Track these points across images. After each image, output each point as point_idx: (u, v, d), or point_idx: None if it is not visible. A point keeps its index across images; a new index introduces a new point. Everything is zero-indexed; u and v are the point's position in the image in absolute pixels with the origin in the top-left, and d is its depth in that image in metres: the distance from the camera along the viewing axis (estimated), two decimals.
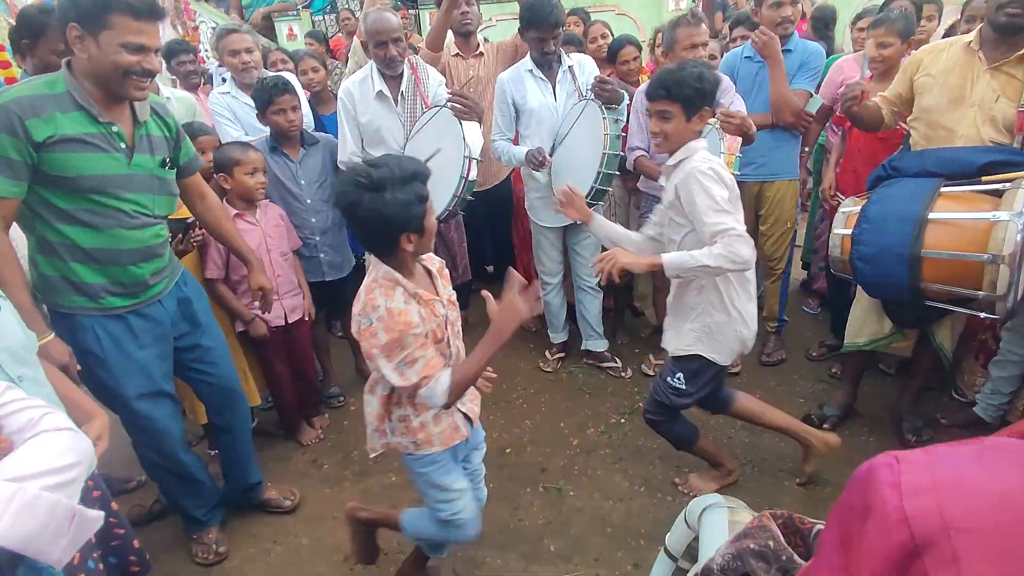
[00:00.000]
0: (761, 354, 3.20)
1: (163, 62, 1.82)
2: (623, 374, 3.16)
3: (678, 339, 2.14)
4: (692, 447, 2.30)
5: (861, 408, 2.76)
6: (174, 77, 3.63)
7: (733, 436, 2.67)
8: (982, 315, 2.00)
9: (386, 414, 1.66)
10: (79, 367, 1.75)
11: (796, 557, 0.75)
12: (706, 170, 1.88)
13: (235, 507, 2.38)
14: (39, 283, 1.77)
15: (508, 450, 2.69)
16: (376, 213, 1.37)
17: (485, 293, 1.77)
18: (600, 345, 3.21)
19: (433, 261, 1.68)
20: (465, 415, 1.75)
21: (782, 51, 2.78)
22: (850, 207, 2.28)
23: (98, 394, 1.89)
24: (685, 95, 1.85)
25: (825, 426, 2.62)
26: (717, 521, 1.16)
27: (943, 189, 2.06)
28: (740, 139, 2.49)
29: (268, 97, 2.57)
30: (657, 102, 1.91)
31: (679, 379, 2.13)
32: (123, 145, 1.72)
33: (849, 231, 2.20)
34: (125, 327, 1.84)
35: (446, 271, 1.72)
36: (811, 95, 2.90)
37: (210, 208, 2.13)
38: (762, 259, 3.18)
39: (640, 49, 3.65)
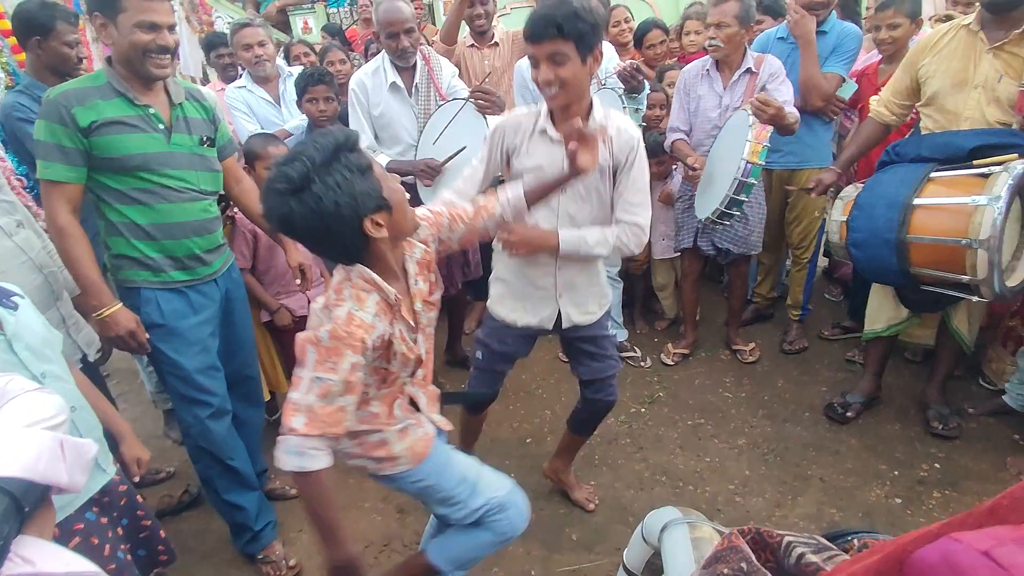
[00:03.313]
0: (783, 342, 3.17)
1: (179, 38, 1.86)
2: (642, 363, 3.15)
3: (595, 306, 1.98)
4: None
5: (886, 397, 2.72)
6: (213, 69, 3.69)
7: (755, 425, 2.65)
8: (974, 299, 2.02)
9: None
10: (147, 336, 1.88)
11: None
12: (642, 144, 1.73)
13: None
14: (112, 262, 1.91)
15: (529, 440, 2.70)
16: (316, 215, 1.11)
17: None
18: (619, 335, 3.20)
19: (415, 249, 1.36)
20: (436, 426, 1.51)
21: (817, 30, 2.70)
22: (849, 194, 2.30)
23: (160, 367, 1.99)
24: (579, 31, 1.52)
25: (849, 414, 2.59)
26: (679, 540, 1.14)
27: (934, 174, 2.06)
28: (770, 128, 2.41)
29: (303, 86, 2.68)
30: (546, 43, 1.54)
31: (610, 328, 2.09)
32: (161, 126, 1.84)
33: (845, 218, 2.24)
34: (185, 301, 1.94)
35: (430, 257, 1.42)
36: (844, 79, 2.79)
37: (245, 191, 2.22)
38: (789, 247, 3.15)
39: (667, 33, 3.60)
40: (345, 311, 1.19)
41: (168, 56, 1.78)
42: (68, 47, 2.31)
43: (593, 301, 1.96)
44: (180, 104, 1.90)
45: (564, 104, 1.65)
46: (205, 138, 1.96)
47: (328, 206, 1.10)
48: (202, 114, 1.97)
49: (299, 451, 1.18)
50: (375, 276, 1.23)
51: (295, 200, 1.10)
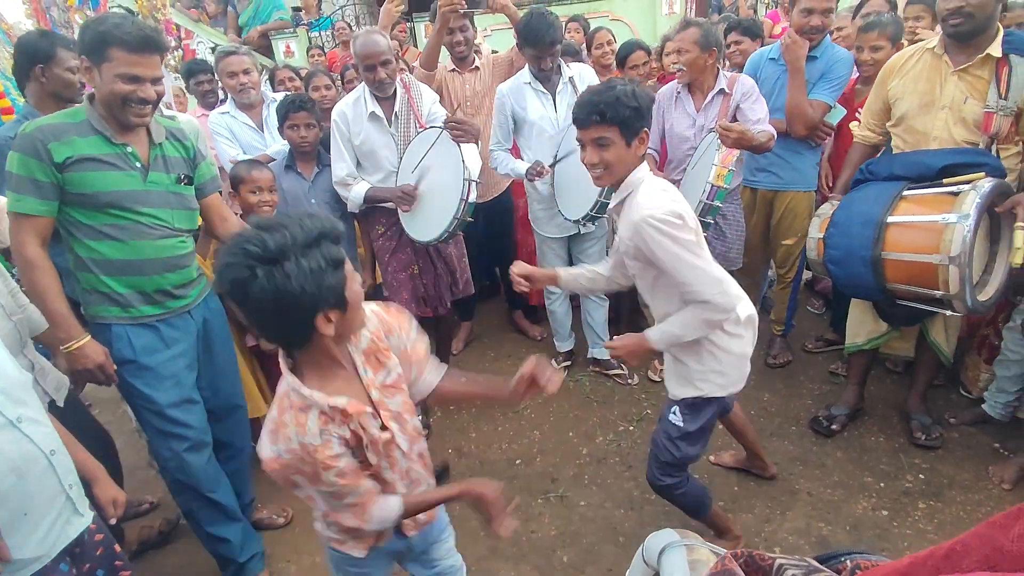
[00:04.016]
0: (767, 356, 3.21)
1: (164, 89, 1.86)
2: (630, 381, 3.16)
3: (672, 382, 1.92)
4: (707, 513, 2.05)
5: (869, 408, 2.76)
6: (193, 96, 3.70)
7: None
8: (948, 313, 2.08)
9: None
10: (115, 368, 1.86)
11: None
12: (660, 219, 1.58)
13: None
14: (82, 297, 1.89)
15: (518, 461, 2.70)
16: (277, 292, 1.04)
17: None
18: (606, 353, 3.22)
19: (360, 339, 1.29)
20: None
21: (808, 55, 2.70)
22: (825, 212, 2.37)
23: (133, 403, 1.98)
24: (622, 116, 1.57)
25: (834, 427, 2.62)
26: (676, 562, 1.16)
27: (907, 192, 2.12)
28: (736, 152, 2.43)
29: (284, 112, 2.70)
30: (591, 128, 1.61)
31: (676, 414, 1.90)
32: (138, 164, 1.85)
33: (822, 235, 2.30)
34: (156, 335, 1.93)
35: (383, 342, 1.34)
36: (831, 106, 2.76)
37: (231, 231, 2.21)
38: (772, 264, 3.21)
39: (649, 53, 3.68)
40: (296, 442, 1.15)
41: (148, 107, 1.78)
42: (71, 72, 2.30)
43: (672, 376, 1.92)
44: (160, 144, 1.90)
45: (608, 183, 1.71)
46: (183, 176, 1.96)
47: (293, 289, 1.05)
48: (181, 153, 1.98)
49: (382, 520, 1.28)
50: (304, 391, 1.17)
51: (262, 269, 1.04)
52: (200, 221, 2.10)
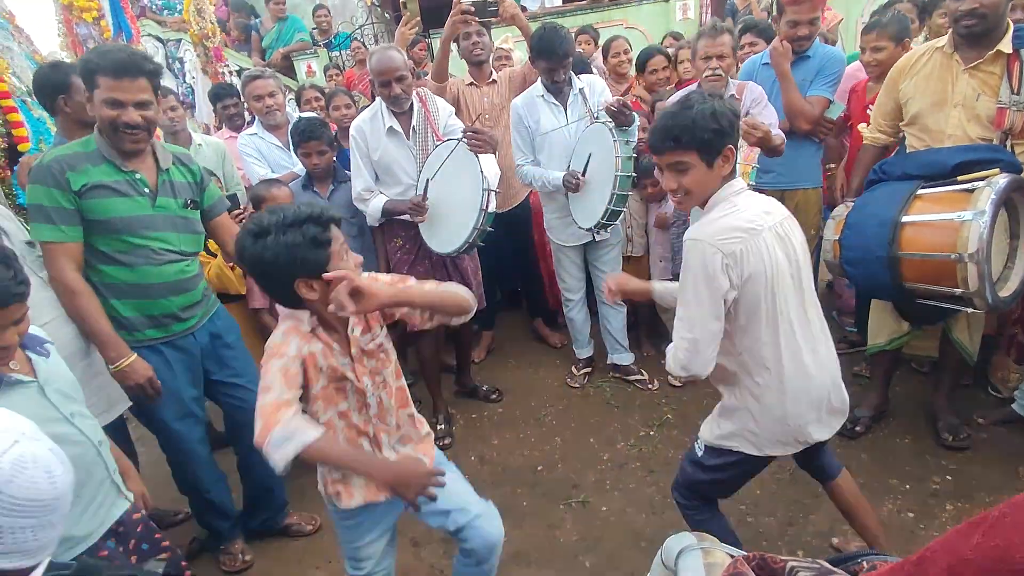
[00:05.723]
0: None
1: (153, 114, 1.89)
2: (650, 386, 3.17)
3: (708, 425, 1.79)
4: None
5: (895, 409, 2.72)
6: (221, 120, 3.83)
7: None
8: (969, 310, 2.06)
9: None
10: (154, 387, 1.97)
11: None
12: (708, 243, 1.48)
13: (259, 532, 2.47)
14: None
15: (540, 467, 2.72)
16: (259, 259, 1.33)
17: None
18: (626, 358, 3.23)
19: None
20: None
21: (801, 56, 2.79)
22: (840, 213, 2.36)
23: (141, 417, 2.15)
24: (700, 139, 1.46)
25: (858, 428, 2.60)
26: (693, 565, 1.19)
27: (921, 191, 2.11)
28: (757, 150, 2.47)
29: (296, 141, 2.84)
30: (666, 154, 1.51)
31: (699, 446, 1.78)
32: (146, 190, 1.93)
33: (837, 237, 2.30)
34: (160, 358, 2.03)
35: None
36: (831, 101, 2.83)
37: None
38: None
39: (669, 59, 3.72)
40: (271, 342, 1.45)
41: (140, 132, 1.83)
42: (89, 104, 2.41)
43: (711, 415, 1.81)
44: (167, 169, 1.98)
45: (689, 207, 1.63)
46: (189, 201, 2.04)
47: (269, 256, 1.32)
48: (188, 178, 2.06)
49: (284, 438, 1.34)
50: (297, 314, 1.45)
51: (251, 241, 1.34)
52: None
